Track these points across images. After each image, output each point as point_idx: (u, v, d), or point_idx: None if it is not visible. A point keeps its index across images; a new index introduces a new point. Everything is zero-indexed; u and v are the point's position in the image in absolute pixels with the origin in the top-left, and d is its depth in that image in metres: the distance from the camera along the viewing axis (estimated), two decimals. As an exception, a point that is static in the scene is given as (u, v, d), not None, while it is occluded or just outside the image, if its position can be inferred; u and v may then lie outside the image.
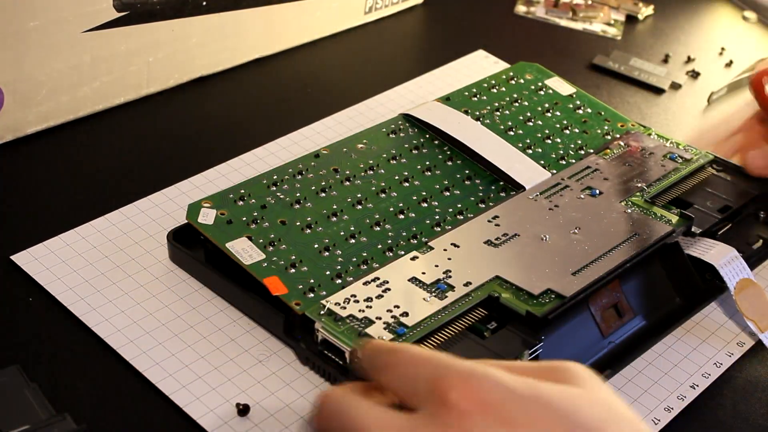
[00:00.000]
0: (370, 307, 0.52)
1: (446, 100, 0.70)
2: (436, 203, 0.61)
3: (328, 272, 0.55)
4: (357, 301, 0.52)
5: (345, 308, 0.51)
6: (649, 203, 0.61)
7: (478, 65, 0.81)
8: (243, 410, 0.51)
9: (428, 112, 0.68)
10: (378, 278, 0.54)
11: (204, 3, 0.72)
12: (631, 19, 0.92)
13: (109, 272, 0.58)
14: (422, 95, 0.77)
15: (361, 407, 0.38)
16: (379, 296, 0.52)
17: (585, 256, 0.56)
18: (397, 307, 0.52)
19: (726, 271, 0.57)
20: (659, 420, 0.53)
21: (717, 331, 0.59)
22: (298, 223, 0.57)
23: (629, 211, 0.60)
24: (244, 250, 0.55)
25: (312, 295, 0.53)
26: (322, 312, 0.51)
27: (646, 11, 0.93)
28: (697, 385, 0.55)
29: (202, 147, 0.69)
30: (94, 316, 0.55)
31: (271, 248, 0.55)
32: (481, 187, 0.63)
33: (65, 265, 0.58)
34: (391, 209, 0.60)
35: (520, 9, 0.91)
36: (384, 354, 0.40)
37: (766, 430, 0.54)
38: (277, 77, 0.78)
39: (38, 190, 0.64)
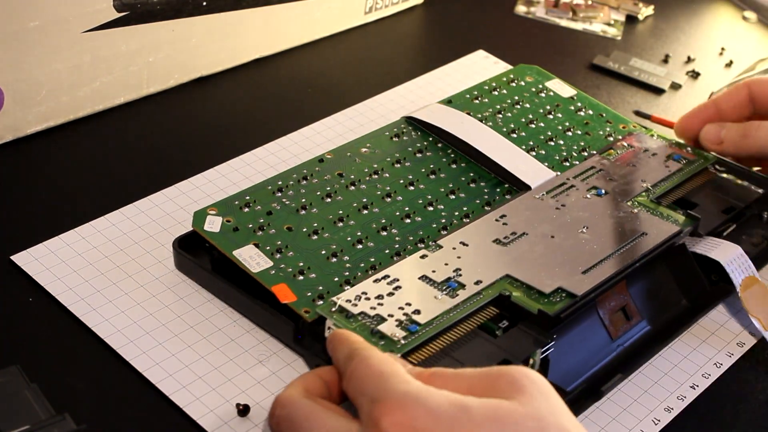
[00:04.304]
0: (382, 304, 0.51)
1: (448, 102, 0.70)
2: (442, 207, 0.61)
3: (336, 278, 0.55)
4: (368, 299, 0.52)
5: (356, 305, 0.51)
6: (655, 203, 0.61)
7: (478, 65, 0.81)
8: (243, 410, 0.51)
9: (431, 114, 0.68)
10: (388, 276, 0.53)
11: (204, 3, 0.72)
12: (631, 19, 0.92)
13: (109, 272, 0.58)
14: (422, 95, 0.77)
15: (310, 415, 0.42)
16: (390, 294, 0.52)
17: (594, 255, 0.56)
18: (409, 304, 0.51)
19: (732, 268, 0.57)
20: (659, 420, 0.53)
21: (717, 331, 0.59)
22: (304, 229, 0.57)
23: (636, 210, 0.60)
24: (252, 258, 0.55)
25: (321, 302, 0.53)
26: (333, 309, 0.51)
27: (646, 11, 0.93)
28: (697, 386, 0.55)
29: (202, 147, 0.69)
30: (94, 316, 0.55)
31: (279, 255, 0.55)
32: (486, 190, 0.63)
33: (65, 265, 0.58)
34: (397, 213, 0.60)
35: (520, 9, 0.92)
36: (343, 357, 0.44)
37: (766, 431, 0.54)
38: (277, 77, 0.78)
39: (38, 190, 0.64)
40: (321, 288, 0.54)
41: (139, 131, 0.70)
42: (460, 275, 0.54)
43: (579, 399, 0.52)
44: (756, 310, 0.57)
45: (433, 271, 0.54)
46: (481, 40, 0.85)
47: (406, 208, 0.60)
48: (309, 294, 0.53)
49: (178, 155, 0.69)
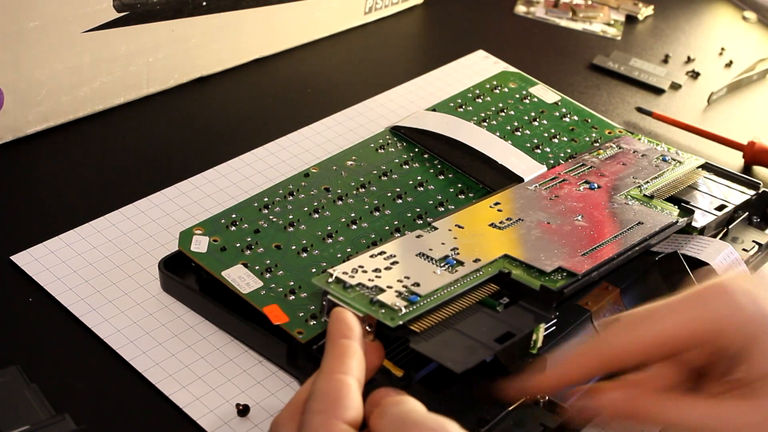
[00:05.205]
0: (380, 277, 0.50)
1: (432, 111, 0.69)
2: (431, 219, 0.60)
3: None
4: (365, 272, 0.50)
5: (353, 277, 0.50)
6: (648, 197, 0.61)
7: (478, 65, 0.81)
8: (243, 411, 0.51)
9: (416, 120, 0.68)
10: (384, 252, 0.52)
11: (204, 3, 0.72)
12: (631, 19, 0.92)
13: (109, 272, 0.58)
14: (422, 95, 0.77)
15: None
16: (388, 268, 0.51)
17: (592, 240, 0.55)
18: (408, 278, 0.50)
19: (723, 269, 0.57)
20: (659, 420, 0.53)
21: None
22: (293, 247, 0.57)
23: (630, 203, 0.60)
24: (241, 278, 0.54)
25: (314, 322, 0.52)
26: (329, 280, 0.50)
27: (646, 11, 0.93)
28: (697, 386, 0.55)
29: (201, 147, 0.69)
30: (94, 316, 0.55)
31: (268, 275, 0.54)
32: (475, 201, 0.62)
33: (65, 265, 0.58)
34: (387, 228, 0.59)
35: (520, 9, 0.92)
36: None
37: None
38: (277, 77, 0.78)
39: (38, 190, 0.64)
40: (313, 308, 0.53)
41: (139, 131, 0.71)
42: (458, 254, 0.53)
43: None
44: None
45: (430, 249, 0.53)
46: (481, 40, 0.85)
47: (396, 222, 0.60)
48: (301, 314, 0.52)
49: (178, 155, 0.69)
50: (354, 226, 0.59)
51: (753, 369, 0.43)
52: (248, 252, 0.56)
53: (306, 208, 0.59)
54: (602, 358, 0.45)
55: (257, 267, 0.55)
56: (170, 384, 0.52)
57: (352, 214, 0.60)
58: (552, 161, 0.66)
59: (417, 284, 0.50)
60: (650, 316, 0.45)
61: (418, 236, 0.54)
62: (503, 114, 0.70)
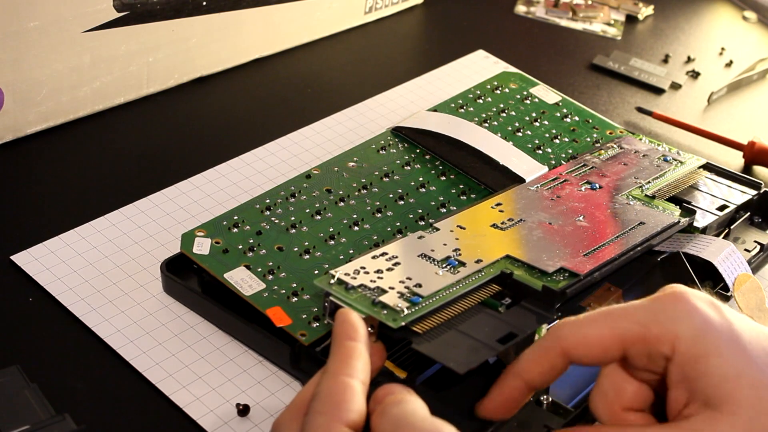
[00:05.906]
0: (382, 278, 0.50)
1: (433, 111, 0.69)
2: (433, 220, 0.60)
3: None
4: (367, 273, 0.50)
5: (355, 278, 0.50)
6: (650, 197, 0.61)
7: (478, 65, 0.81)
8: (243, 410, 0.51)
9: (418, 120, 0.68)
10: (386, 253, 0.52)
11: (204, 3, 0.72)
12: (631, 19, 0.92)
13: (109, 272, 0.58)
14: (422, 95, 0.77)
15: None
16: (390, 269, 0.51)
17: (594, 240, 0.55)
18: (410, 278, 0.50)
19: (724, 267, 0.57)
20: (659, 420, 0.53)
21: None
22: (295, 249, 0.56)
23: (631, 203, 0.60)
24: (243, 281, 0.54)
25: (317, 324, 0.52)
26: (332, 281, 0.50)
27: (646, 11, 0.93)
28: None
29: (201, 147, 0.69)
30: (94, 316, 0.55)
31: (271, 277, 0.54)
32: (476, 202, 0.62)
33: (65, 265, 0.58)
34: (389, 229, 0.59)
35: (520, 9, 0.92)
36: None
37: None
38: (277, 77, 0.78)
39: (38, 190, 0.64)
40: (316, 309, 0.53)
41: (139, 131, 0.70)
42: (460, 254, 0.53)
43: (584, 415, 0.51)
44: (749, 309, 0.57)
45: (432, 250, 0.53)
46: (481, 40, 0.85)
47: (398, 224, 0.60)
48: (304, 316, 0.52)
49: (178, 155, 0.69)
50: (356, 228, 0.59)
51: (710, 380, 0.41)
52: (250, 254, 0.56)
53: (308, 210, 0.59)
54: (560, 349, 0.44)
55: (260, 269, 0.55)
56: (170, 384, 0.52)
57: (354, 216, 0.60)
58: (553, 162, 0.66)
59: (419, 285, 0.50)
60: (609, 313, 0.44)
61: (419, 237, 0.54)
62: (504, 115, 0.70)
